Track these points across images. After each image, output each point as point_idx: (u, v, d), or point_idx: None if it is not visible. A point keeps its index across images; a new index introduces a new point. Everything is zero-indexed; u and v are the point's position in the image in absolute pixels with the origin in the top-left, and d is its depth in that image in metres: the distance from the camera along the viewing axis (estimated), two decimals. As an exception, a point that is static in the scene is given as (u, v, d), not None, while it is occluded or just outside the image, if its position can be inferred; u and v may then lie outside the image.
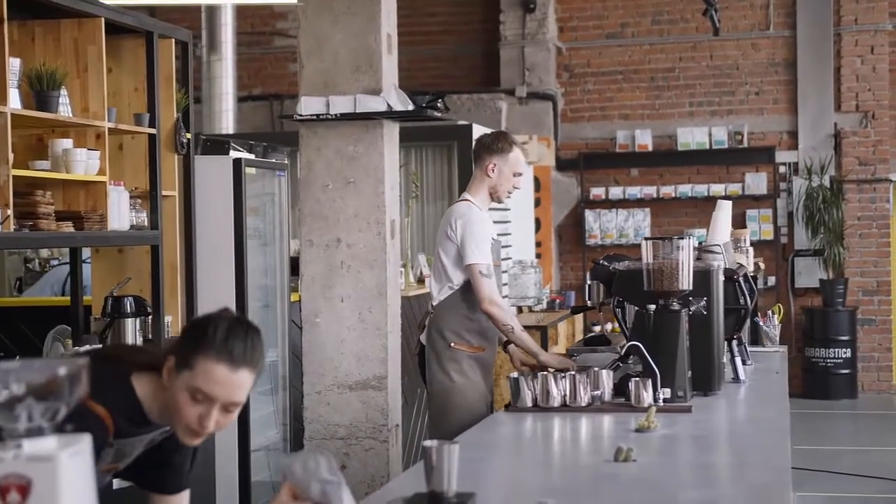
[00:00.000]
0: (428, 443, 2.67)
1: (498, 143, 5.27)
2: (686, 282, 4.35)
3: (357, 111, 5.74)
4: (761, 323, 6.30)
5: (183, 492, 2.89)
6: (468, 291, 5.12)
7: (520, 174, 5.30)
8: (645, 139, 12.67)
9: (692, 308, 4.41)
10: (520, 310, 10.03)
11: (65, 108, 5.06)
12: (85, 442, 1.80)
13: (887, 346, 12.42)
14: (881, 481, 8.21)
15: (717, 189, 12.36)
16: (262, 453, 6.72)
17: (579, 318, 11.17)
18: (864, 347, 12.31)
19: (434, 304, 5.24)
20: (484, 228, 5.14)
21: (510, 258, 10.19)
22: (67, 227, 5.03)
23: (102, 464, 2.63)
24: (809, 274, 12.36)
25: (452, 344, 5.14)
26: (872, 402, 12.04)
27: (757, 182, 12.43)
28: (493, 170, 5.24)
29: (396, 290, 5.97)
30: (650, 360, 4.21)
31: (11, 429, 1.77)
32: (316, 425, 5.63)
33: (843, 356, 12.00)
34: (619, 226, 12.69)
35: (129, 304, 5.55)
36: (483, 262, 5.07)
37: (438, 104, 6.18)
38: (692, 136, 12.55)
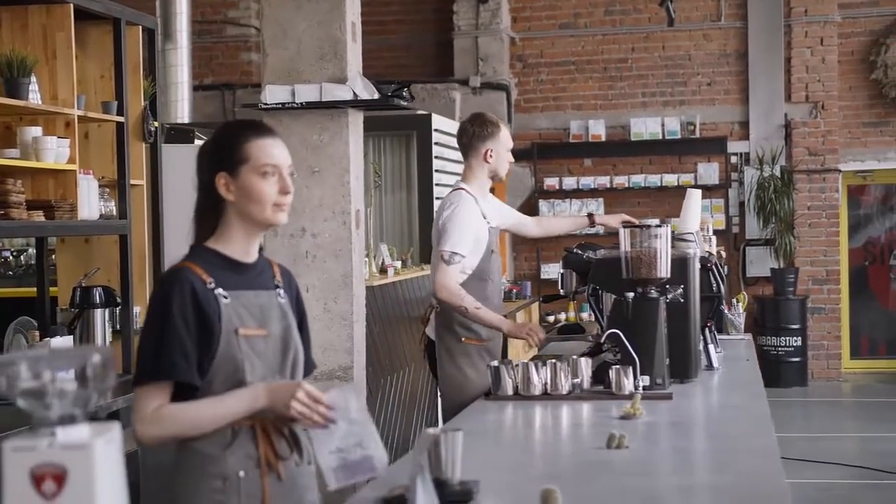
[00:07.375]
0: (432, 430, 2.67)
1: (487, 128, 5.28)
2: (664, 269, 4.36)
3: (323, 100, 5.71)
4: (726, 311, 6.34)
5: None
6: (473, 283, 5.07)
7: (510, 147, 5.39)
8: (598, 129, 12.72)
9: (669, 296, 4.43)
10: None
11: (34, 96, 4.99)
12: (115, 430, 1.79)
13: (836, 334, 12.58)
14: (832, 466, 8.33)
15: (670, 179, 12.44)
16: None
17: (535, 307, 11.23)
18: (814, 336, 12.46)
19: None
20: (471, 218, 5.09)
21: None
22: (38, 217, 4.97)
23: (247, 325, 2.78)
24: (760, 263, 12.48)
25: (463, 339, 5.11)
26: (822, 389, 12.20)
27: (709, 172, 12.52)
28: (490, 155, 5.27)
29: (361, 280, 5.95)
30: (629, 347, 4.23)
31: (43, 417, 1.75)
32: (282, 415, 5.59)
33: (794, 344, 12.14)
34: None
35: (98, 295, 5.48)
36: (450, 250, 5.02)
37: (404, 93, 6.17)
38: (645, 127, 12.62)
